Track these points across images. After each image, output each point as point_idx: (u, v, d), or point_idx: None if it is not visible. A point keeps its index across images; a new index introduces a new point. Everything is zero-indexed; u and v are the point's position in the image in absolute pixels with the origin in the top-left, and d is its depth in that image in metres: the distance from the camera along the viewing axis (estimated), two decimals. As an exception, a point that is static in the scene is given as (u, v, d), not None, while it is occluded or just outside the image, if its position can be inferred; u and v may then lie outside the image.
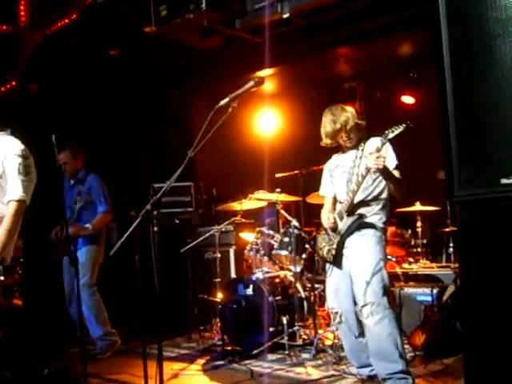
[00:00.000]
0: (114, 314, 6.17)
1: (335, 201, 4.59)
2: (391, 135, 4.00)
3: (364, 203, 4.32)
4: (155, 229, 3.19)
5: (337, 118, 4.34)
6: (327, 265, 4.48)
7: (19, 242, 4.17)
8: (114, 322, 6.14)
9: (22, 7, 7.57)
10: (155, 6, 6.06)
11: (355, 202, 4.28)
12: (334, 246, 4.32)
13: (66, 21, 7.33)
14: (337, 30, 6.75)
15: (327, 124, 4.38)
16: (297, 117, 8.06)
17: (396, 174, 4.23)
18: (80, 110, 7.57)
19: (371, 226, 4.27)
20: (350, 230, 4.28)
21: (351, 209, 4.29)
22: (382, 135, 4.06)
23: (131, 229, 3.19)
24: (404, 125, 3.97)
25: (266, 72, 7.25)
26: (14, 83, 7.57)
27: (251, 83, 3.31)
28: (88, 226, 5.94)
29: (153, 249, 3.20)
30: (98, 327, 5.99)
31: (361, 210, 4.30)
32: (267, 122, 8.36)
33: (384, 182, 4.29)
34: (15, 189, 3.99)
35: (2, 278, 3.89)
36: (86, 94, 7.60)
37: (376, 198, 4.33)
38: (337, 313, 4.43)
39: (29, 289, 6.41)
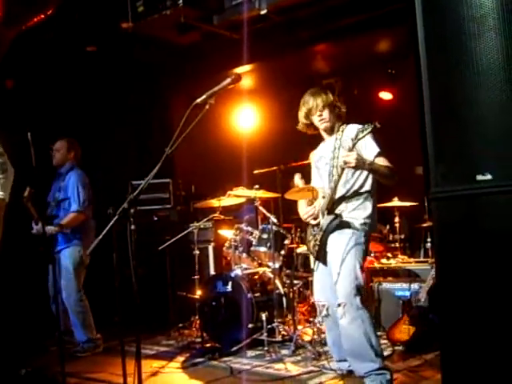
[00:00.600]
0: (93, 312, 6.11)
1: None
2: (361, 135, 3.98)
3: (345, 199, 4.28)
4: (132, 227, 3.17)
5: (310, 98, 4.36)
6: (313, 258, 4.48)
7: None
8: (95, 321, 6.10)
9: (-4, 3, 7.49)
10: (132, 2, 6.03)
11: (336, 197, 4.25)
12: (318, 242, 4.31)
13: (42, 16, 7.25)
14: (314, 26, 6.76)
15: (302, 105, 4.41)
16: (275, 113, 8.07)
17: (380, 161, 4.17)
18: (57, 106, 7.50)
19: (349, 224, 4.24)
20: (330, 229, 4.25)
21: (331, 205, 4.26)
22: (355, 133, 4.04)
23: (108, 227, 3.17)
24: (372, 125, 3.96)
25: (243, 68, 7.25)
26: (-13, 80, 7.49)
27: (228, 80, 3.30)
28: (53, 228, 5.79)
29: (130, 246, 3.19)
30: (83, 333, 5.92)
31: (341, 207, 4.27)
32: (245, 118, 8.37)
33: (365, 174, 4.26)
34: None
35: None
36: (63, 90, 7.53)
37: (357, 192, 4.28)
38: (323, 305, 4.43)
39: (6, 287, 6.35)
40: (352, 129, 4.26)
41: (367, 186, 4.30)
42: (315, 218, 4.37)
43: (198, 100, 3.21)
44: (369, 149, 4.19)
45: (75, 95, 7.65)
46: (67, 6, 6.83)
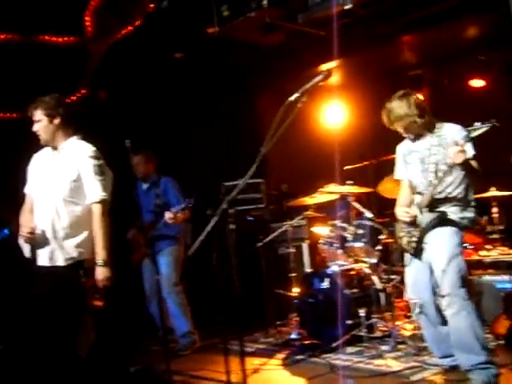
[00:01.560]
0: (192, 311, 6.27)
1: (411, 184, 4.52)
2: (475, 133, 3.86)
3: (444, 195, 4.23)
4: (232, 226, 3.23)
5: (388, 116, 4.36)
6: (406, 254, 4.44)
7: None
8: (195, 320, 6.25)
9: (87, 18, 7.80)
10: (217, 7, 6.10)
11: (435, 196, 4.20)
12: (414, 239, 4.28)
13: (131, 28, 7.49)
14: (400, 17, 6.64)
15: (383, 115, 4.39)
16: (363, 107, 7.97)
17: (473, 164, 4.10)
18: (148, 113, 7.72)
19: (449, 220, 4.19)
20: (429, 226, 4.22)
21: (431, 203, 4.21)
22: (465, 130, 3.95)
23: (209, 227, 3.24)
24: (489, 124, 3.81)
25: (330, 64, 7.21)
26: (83, 92, 7.79)
27: (319, 77, 3.31)
28: (177, 211, 5.93)
29: (230, 246, 3.25)
30: (185, 323, 6.15)
31: (440, 205, 4.23)
32: (334, 114, 8.32)
33: (464, 173, 4.18)
34: (94, 190, 4.17)
35: (84, 279, 4.02)
36: (153, 97, 7.73)
37: (457, 188, 4.23)
38: (415, 303, 4.38)
39: (110, 290, 6.59)
40: (450, 129, 4.22)
41: (466, 182, 4.24)
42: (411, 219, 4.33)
43: (291, 98, 3.24)
44: (467, 150, 4.02)
45: (165, 101, 7.84)
46: (154, 16, 7.03)
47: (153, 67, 7.50)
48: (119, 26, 7.57)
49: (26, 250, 4.31)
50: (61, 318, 2.28)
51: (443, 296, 4.08)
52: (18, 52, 7.19)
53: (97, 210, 4.16)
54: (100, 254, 4.08)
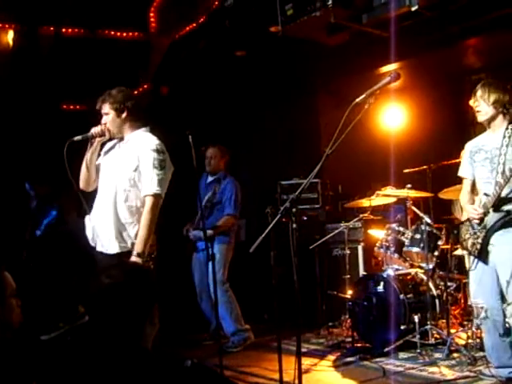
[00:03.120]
0: (244, 308, 6.29)
1: (474, 184, 4.44)
2: None
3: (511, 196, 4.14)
4: (294, 226, 3.24)
5: (479, 86, 4.28)
6: (471, 257, 4.35)
7: (153, 238, 4.36)
8: (244, 317, 6.26)
9: (151, 14, 7.94)
10: (281, 6, 6.08)
11: (502, 195, 4.11)
12: (479, 241, 4.18)
13: (194, 25, 7.58)
14: (466, 20, 6.52)
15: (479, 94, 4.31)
16: (424, 111, 7.86)
17: None
18: (208, 110, 7.78)
19: None
20: (496, 227, 4.13)
21: (497, 203, 4.12)
22: None
23: (271, 226, 3.25)
24: None
25: (391, 67, 7.13)
26: (145, 86, 7.92)
27: (388, 79, 3.30)
28: (211, 232, 5.87)
29: (291, 245, 3.26)
30: (231, 324, 6.12)
31: (508, 205, 4.13)
32: (393, 116, 8.23)
33: None
34: (150, 183, 4.19)
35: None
36: (214, 94, 7.80)
37: None
38: (482, 308, 4.29)
39: (162, 284, 6.67)
40: None
41: None
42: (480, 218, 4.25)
43: (358, 100, 3.23)
44: None
45: (225, 99, 7.90)
46: (218, 14, 7.08)
47: (214, 64, 7.55)
48: (183, 23, 7.67)
49: (89, 235, 4.40)
50: (133, 308, 2.31)
51: (508, 304, 3.99)
52: (84, 46, 7.37)
53: (148, 203, 4.19)
54: (137, 246, 4.11)
